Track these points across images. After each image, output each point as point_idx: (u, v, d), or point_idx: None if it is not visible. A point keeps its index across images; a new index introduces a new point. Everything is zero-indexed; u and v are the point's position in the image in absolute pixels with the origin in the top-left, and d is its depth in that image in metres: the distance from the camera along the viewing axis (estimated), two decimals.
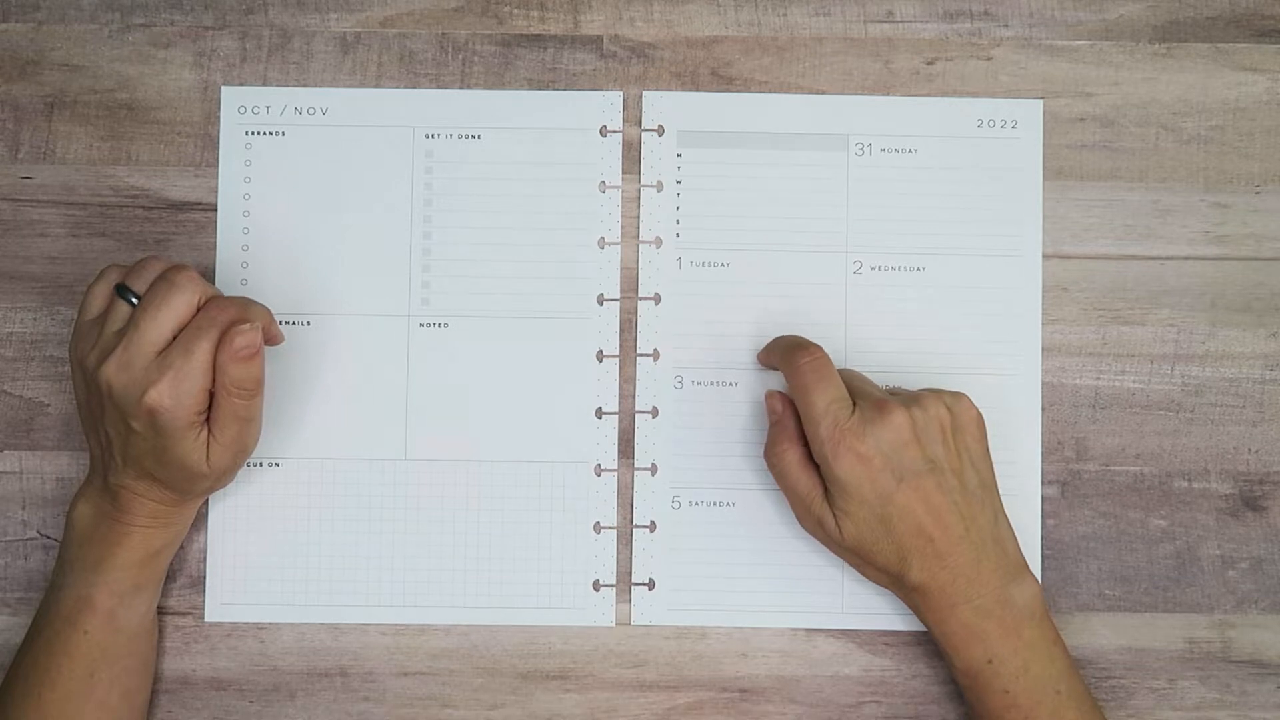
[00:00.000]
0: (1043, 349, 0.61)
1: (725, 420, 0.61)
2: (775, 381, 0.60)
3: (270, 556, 0.60)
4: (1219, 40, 0.62)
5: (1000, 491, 0.56)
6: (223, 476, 0.55)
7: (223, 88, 0.62)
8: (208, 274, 0.61)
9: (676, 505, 0.60)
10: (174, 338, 0.52)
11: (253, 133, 0.61)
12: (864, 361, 0.60)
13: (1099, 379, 0.61)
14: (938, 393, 0.56)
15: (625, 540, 0.60)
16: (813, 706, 0.60)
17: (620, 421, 0.61)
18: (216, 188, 0.61)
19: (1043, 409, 0.61)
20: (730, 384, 0.61)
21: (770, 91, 0.62)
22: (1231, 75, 0.62)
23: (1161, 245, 0.61)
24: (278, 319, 0.58)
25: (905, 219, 0.61)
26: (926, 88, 0.62)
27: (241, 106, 0.61)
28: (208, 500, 0.60)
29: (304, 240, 0.61)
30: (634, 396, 0.61)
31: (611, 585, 0.60)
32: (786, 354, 0.56)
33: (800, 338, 0.57)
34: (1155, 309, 0.61)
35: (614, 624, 0.60)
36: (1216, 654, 0.60)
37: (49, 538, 0.60)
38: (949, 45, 0.62)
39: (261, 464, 0.60)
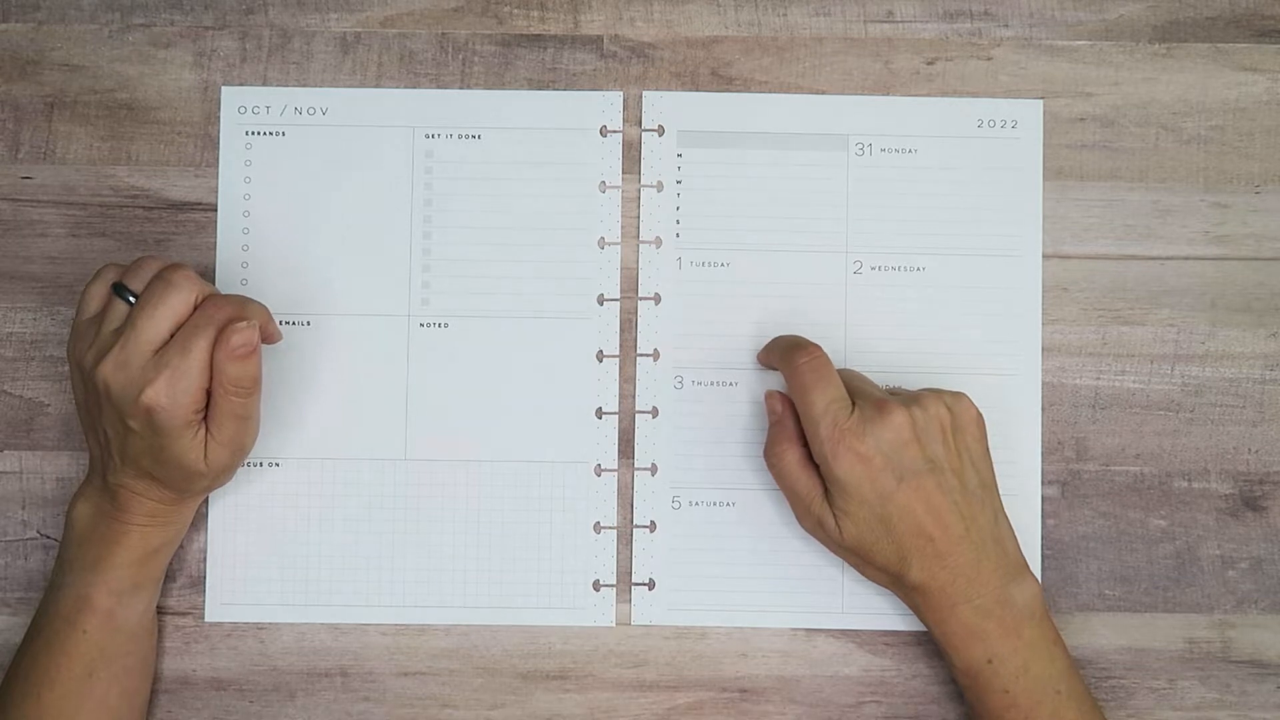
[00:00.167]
0: (1043, 349, 0.61)
1: (725, 420, 0.61)
2: (775, 381, 0.60)
3: (270, 556, 0.60)
4: (1219, 40, 0.62)
5: (1000, 491, 0.56)
6: (221, 475, 0.55)
7: (223, 88, 0.62)
8: (208, 274, 0.61)
9: (676, 505, 0.60)
10: (171, 336, 0.52)
11: (253, 133, 0.61)
12: (864, 361, 0.60)
13: (1099, 379, 0.61)
14: (938, 393, 0.56)
15: (625, 540, 0.60)
16: (813, 706, 0.59)
17: (620, 421, 0.61)
18: (216, 188, 0.61)
19: (1043, 409, 0.61)
20: (730, 384, 0.61)
21: (770, 91, 0.62)
22: (1231, 75, 0.62)
23: (1161, 245, 0.61)
24: (277, 319, 0.57)
25: (905, 219, 0.61)
26: (926, 88, 0.62)
27: (241, 106, 0.61)
28: (208, 500, 0.60)
29: (304, 240, 0.61)
30: (634, 396, 0.61)
31: (611, 585, 0.60)
32: (785, 354, 0.56)
33: (799, 337, 0.57)
34: (1155, 309, 0.61)
35: (614, 624, 0.60)
36: (1216, 654, 0.60)
37: (49, 538, 0.60)
38: (949, 45, 0.62)
39: (261, 464, 0.60)
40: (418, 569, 0.60)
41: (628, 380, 0.61)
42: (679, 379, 0.61)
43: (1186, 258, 0.61)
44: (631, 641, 0.60)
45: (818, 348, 0.56)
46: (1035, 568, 0.59)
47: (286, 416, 0.60)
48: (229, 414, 0.53)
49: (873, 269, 0.61)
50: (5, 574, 0.60)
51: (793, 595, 0.60)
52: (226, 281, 0.61)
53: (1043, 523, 0.60)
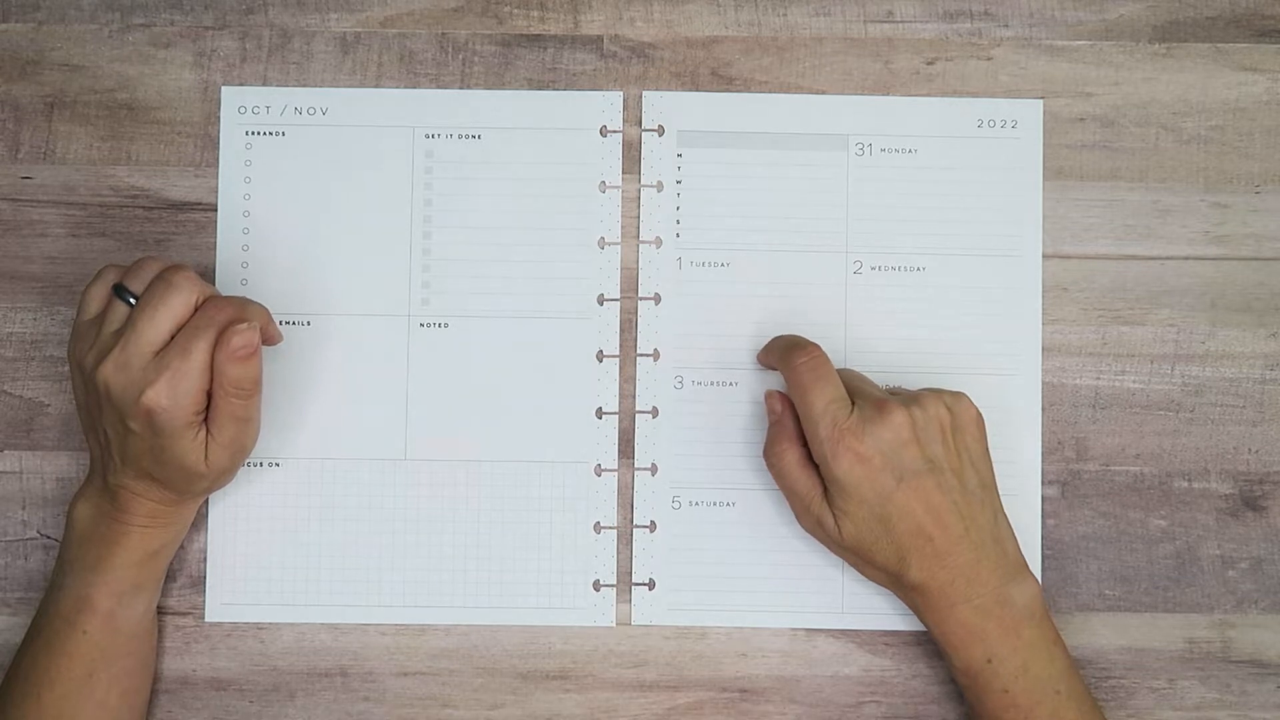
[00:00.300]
0: (1043, 349, 0.61)
1: (725, 420, 0.61)
2: (775, 381, 0.60)
3: (270, 556, 0.60)
4: (1219, 40, 0.62)
5: (1000, 491, 0.56)
6: (221, 476, 0.55)
7: (223, 88, 0.62)
8: (208, 274, 0.61)
9: (676, 505, 0.60)
10: (172, 338, 0.52)
11: (253, 133, 0.61)
12: (864, 361, 0.60)
13: (1099, 379, 0.61)
14: (938, 392, 0.56)
15: (625, 540, 0.60)
16: (813, 706, 0.59)
17: (620, 421, 0.61)
18: (216, 188, 0.61)
19: (1043, 409, 0.61)
20: (730, 384, 0.61)
21: (770, 91, 0.62)
22: (1231, 75, 0.62)
23: (1161, 245, 0.61)
24: (277, 319, 0.58)
25: (905, 219, 0.61)
26: (926, 88, 0.62)
27: (241, 106, 0.61)
28: (208, 500, 0.60)
29: (304, 240, 0.61)
30: (634, 396, 0.61)
31: (611, 585, 0.60)
32: (785, 354, 0.56)
33: (798, 337, 0.57)
34: (1155, 309, 0.61)
35: (614, 624, 0.60)
36: (1216, 654, 0.60)
37: (49, 538, 0.60)
38: (949, 45, 0.62)
39: (261, 464, 0.60)
40: (418, 569, 0.60)
41: (628, 380, 0.61)
42: (679, 379, 0.61)
43: (1186, 258, 0.61)
44: (631, 641, 0.60)
45: (817, 348, 0.56)
46: (1035, 568, 0.59)
47: (286, 416, 0.60)
48: (229, 415, 0.53)
49: (873, 269, 0.61)
50: (5, 574, 0.60)
51: (793, 595, 0.60)
52: (226, 282, 0.61)
53: (1043, 523, 0.60)
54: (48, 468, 0.60)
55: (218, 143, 0.61)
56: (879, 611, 0.60)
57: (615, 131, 0.62)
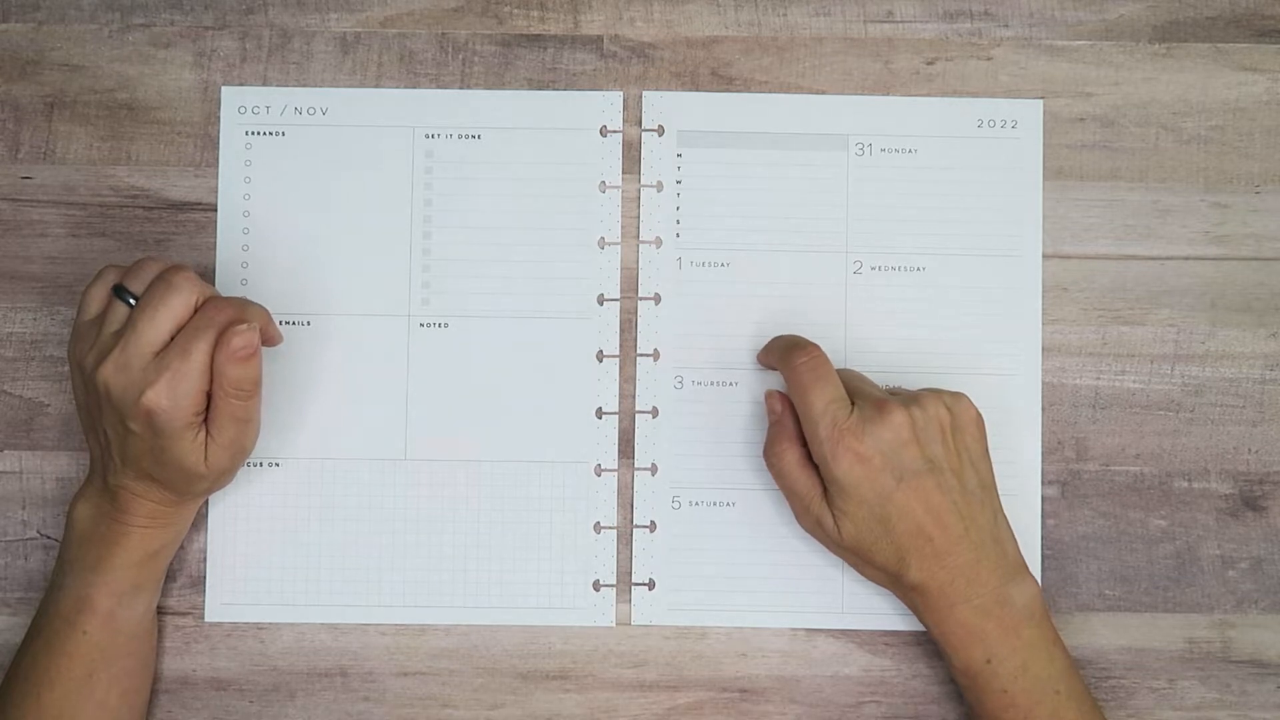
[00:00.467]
0: (1043, 349, 0.61)
1: (725, 420, 0.61)
2: (775, 381, 0.60)
3: (270, 556, 0.60)
4: (1219, 40, 0.62)
5: (1000, 491, 0.56)
6: (221, 477, 0.55)
7: (223, 88, 0.62)
8: (208, 274, 0.61)
9: (676, 505, 0.60)
10: (172, 339, 0.52)
11: (253, 133, 0.61)
12: (864, 361, 0.60)
13: (1099, 379, 0.61)
14: (937, 393, 0.56)
15: (625, 540, 0.60)
16: (813, 706, 0.60)
17: (620, 421, 0.61)
18: (216, 188, 0.61)
19: (1043, 409, 0.61)
20: (730, 384, 0.61)
21: (770, 91, 0.62)
22: (1231, 75, 0.62)
23: (1161, 245, 0.61)
24: (277, 319, 0.58)
25: (905, 219, 0.61)
26: (926, 88, 0.62)
27: (241, 106, 0.61)
28: (208, 500, 0.60)
29: (304, 240, 0.61)
30: (634, 396, 0.61)
31: (611, 585, 0.60)
32: (784, 354, 0.56)
33: (798, 337, 0.57)
34: (1155, 309, 0.61)
35: (614, 624, 0.60)
36: (1216, 654, 0.60)
37: (49, 538, 0.60)
38: (949, 45, 0.62)
39: (261, 464, 0.60)
40: (418, 569, 0.60)
41: (628, 380, 0.61)
42: (679, 379, 0.61)
43: (1186, 258, 0.61)
44: (631, 641, 0.60)
45: (816, 348, 0.56)
46: (1035, 568, 0.59)
47: (286, 416, 0.60)
48: (229, 416, 0.53)
49: (873, 269, 0.61)
50: (5, 574, 0.60)
51: (793, 595, 0.60)
52: (226, 282, 0.61)
53: (1043, 523, 0.60)
54: (48, 468, 0.60)
55: (218, 143, 0.61)
56: (879, 611, 0.60)
57: (615, 131, 0.62)
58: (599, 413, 0.61)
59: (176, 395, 0.51)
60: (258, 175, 0.61)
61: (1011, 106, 0.62)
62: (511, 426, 0.60)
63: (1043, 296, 0.61)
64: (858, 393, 0.55)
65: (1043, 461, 0.60)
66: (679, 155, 0.61)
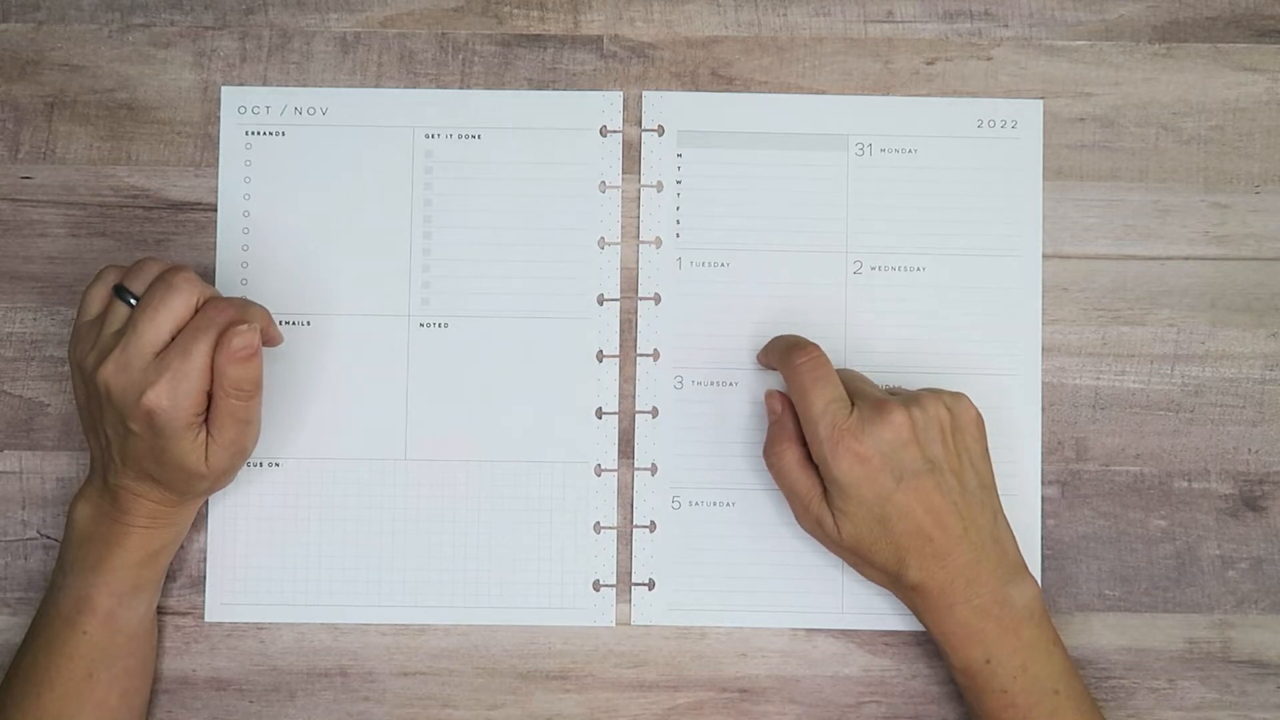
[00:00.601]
0: (1043, 349, 0.61)
1: (725, 420, 0.61)
2: (775, 381, 0.60)
3: (270, 556, 0.60)
4: (1219, 40, 0.62)
5: (1000, 491, 0.56)
6: (221, 478, 0.55)
7: (223, 88, 0.62)
8: (208, 274, 0.61)
9: (676, 505, 0.60)
10: (172, 339, 0.52)
11: (253, 133, 0.61)
12: (864, 361, 0.60)
13: (1099, 379, 0.61)
14: (937, 393, 0.56)
15: (625, 540, 0.60)
16: (813, 706, 0.60)
17: (620, 421, 0.61)
18: (216, 188, 0.61)
19: (1043, 409, 0.61)
20: (730, 384, 0.61)
21: (770, 91, 0.62)
22: (1231, 75, 0.62)
23: (1161, 245, 0.61)
24: (278, 319, 0.58)
25: (905, 219, 0.61)
26: (926, 88, 0.62)
27: (241, 106, 0.61)
28: (208, 500, 0.60)
29: (304, 240, 0.61)
30: (634, 396, 0.61)
31: (611, 585, 0.60)
32: (784, 354, 0.56)
33: (798, 337, 0.57)
34: (1155, 309, 0.61)
35: (614, 624, 0.60)
36: (1216, 654, 0.60)
37: (49, 538, 0.60)
38: (949, 45, 0.62)
39: (261, 464, 0.60)
40: (418, 569, 0.60)
41: (628, 380, 0.61)
42: (679, 379, 0.61)
43: (1186, 258, 0.61)
44: (631, 641, 0.60)
45: (816, 348, 0.56)
46: (1035, 568, 0.59)
47: (286, 416, 0.60)
48: (230, 417, 0.53)
49: (873, 269, 0.61)
50: (5, 574, 0.60)
51: (793, 595, 0.60)
52: (226, 282, 0.61)
53: (1043, 523, 0.60)
54: (48, 468, 0.60)
55: (218, 143, 0.61)
56: (879, 611, 0.60)
57: (615, 131, 0.62)
58: (599, 413, 0.61)
59: (177, 395, 0.51)
60: (258, 175, 0.61)
61: (1011, 106, 0.62)
62: (511, 426, 0.60)
63: (1043, 296, 0.61)
64: (857, 393, 0.55)
65: (1043, 461, 0.60)
66: (679, 155, 0.61)
